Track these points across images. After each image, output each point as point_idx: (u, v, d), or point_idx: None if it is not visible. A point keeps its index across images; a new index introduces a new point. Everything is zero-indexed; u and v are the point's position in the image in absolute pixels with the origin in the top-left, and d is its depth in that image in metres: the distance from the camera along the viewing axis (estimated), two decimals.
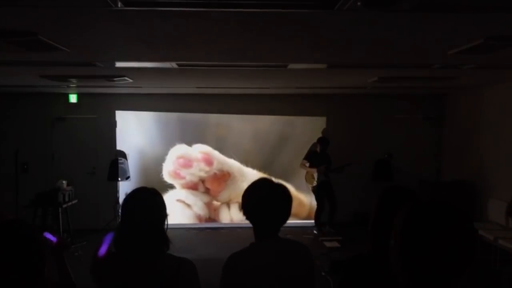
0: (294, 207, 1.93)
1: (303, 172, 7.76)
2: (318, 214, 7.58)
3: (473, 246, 1.09)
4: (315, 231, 7.51)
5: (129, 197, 1.86)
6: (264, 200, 1.90)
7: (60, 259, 1.94)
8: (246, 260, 1.87)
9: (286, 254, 1.89)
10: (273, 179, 2.01)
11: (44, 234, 1.89)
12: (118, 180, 7.46)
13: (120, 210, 2.00)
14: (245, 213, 1.93)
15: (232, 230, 7.73)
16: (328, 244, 6.81)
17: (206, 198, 8.08)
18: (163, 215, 1.85)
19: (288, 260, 1.87)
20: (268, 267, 1.83)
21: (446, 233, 1.06)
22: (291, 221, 2.06)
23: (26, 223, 1.51)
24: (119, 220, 1.89)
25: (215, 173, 8.00)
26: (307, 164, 7.61)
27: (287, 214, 1.94)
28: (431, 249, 1.06)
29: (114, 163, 7.36)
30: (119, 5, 2.57)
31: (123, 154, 7.68)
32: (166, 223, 1.85)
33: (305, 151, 7.80)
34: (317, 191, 7.55)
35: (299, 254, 1.93)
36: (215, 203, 8.12)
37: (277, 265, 1.84)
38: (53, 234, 1.92)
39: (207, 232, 7.82)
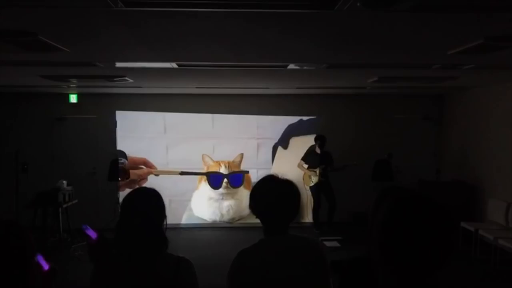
0: None
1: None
2: (315, 213, 7.62)
3: (452, 239, 1.10)
4: (315, 230, 7.51)
5: (129, 197, 1.87)
6: (272, 197, 1.90)
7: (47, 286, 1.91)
8: (255, 255, 1.88)
9: (296, 250, 1.89)
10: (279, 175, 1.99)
11: (38, 258, 1.86)
12: (118, 180, 7.45)
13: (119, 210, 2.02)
14: (253, 210, 1.94)
15: (232, 230, 7.73)
16: (328, 244, 6.81)
17: None
18: (162, 215, 1.86)
19: (298, 255, 1.87)
20: (277, 262, 1.84)
21: (426, 227, 1.08)
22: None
23: (15, 222, 1.50)
24: (118, 220, 1.89)
25: None
26: (305, 166, 7.62)
27: (295, 210, 1.94)
28: (411, 243, 1.07)
29: (114, 163, 7.36)
30: (119, 5, 2.57)
31: (123, 154, 7.68)
32: (165, 223, 1.86)
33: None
34: (315, 191, 7.59)
35: (309, 249, 1.92)
36: None
37: (287, 261, 1.84)
38: (46, 261, 1.90)
39: (207, 232, 7.82)
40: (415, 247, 1.07)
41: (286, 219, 1.93)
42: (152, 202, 1.86)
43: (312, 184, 7.58)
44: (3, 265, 1.41)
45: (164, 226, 1.85)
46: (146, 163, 8.01)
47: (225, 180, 8.02)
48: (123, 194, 7.57)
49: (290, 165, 7.84)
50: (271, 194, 1.91)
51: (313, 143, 7.74)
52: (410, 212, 1.10)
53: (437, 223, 1.09)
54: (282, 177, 1.96)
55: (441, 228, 1.08)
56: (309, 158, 7.63)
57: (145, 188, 1.92)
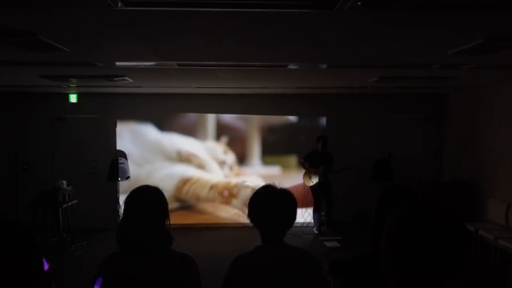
0: None
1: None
2: (315, 213, 7.63)
3: (466, 248, 1.06)
4: (315, 230, 7.56)
5: (132, 194, 1.88)
6: (269, 206, 1.95)
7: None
8: (250, 262, 1.91)
9: (291, 260, 1.91)
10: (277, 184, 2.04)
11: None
12: (118, 180, 7.45)
13: (122, 208, 2.03)
14: (251, 220, 1.99)
15: (232, 229, 7.73)
16: (328, 244, 6.81)
17: None
18: (165, 213, 1.88)
19: (292, 265, 1.88)
20: (271, 270, 1.86)
21: (439, 235, 1.03)
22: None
23: (22, 224, 1.49)
24: (122, 217, 1.92)
25: None
26: (306, 165, 7.62)
27: (291, 219, 1.99)
28: (423, 251, 1.03)
29: (114, 163, 7.36)
30: (119, 5, 2.57)
31: (123, 154, 7.67)
32: (168, 221, 1.88)
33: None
34: (314, 191, 7.59)
35: (305, 262, 1.92)
36: None
37: (281, 269, 1.86)
38: (46, 261, 1.87)
39: (207, 232, 7.82)
40: (428, 255, 1.03)
41: (283, 228, 1.98)
42: (155, 199, 1.88)
43: (312, 184, 7.58)
44: (13, 268, 1.40)
45: (167, 224, 1.87)
46: None
47: None
48: (123, 193, 7.57)
49: None
50: (269, 204, 1.96)
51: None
52: (423, 220, 1.05)
53: (451, 230, 1.04)
54: (279, 187, 2.02)
55: (456, 236, 1.04)
56: (311, 157, 7.61)
57: (148, 186, 1.94)
